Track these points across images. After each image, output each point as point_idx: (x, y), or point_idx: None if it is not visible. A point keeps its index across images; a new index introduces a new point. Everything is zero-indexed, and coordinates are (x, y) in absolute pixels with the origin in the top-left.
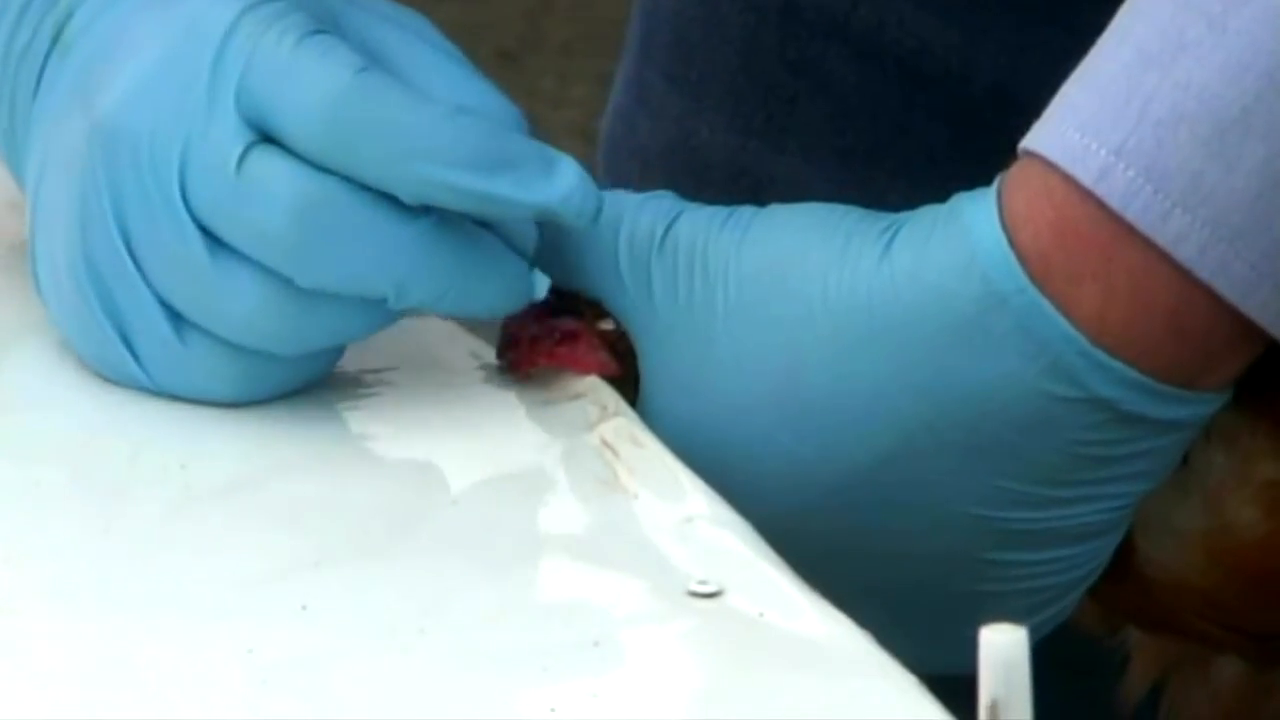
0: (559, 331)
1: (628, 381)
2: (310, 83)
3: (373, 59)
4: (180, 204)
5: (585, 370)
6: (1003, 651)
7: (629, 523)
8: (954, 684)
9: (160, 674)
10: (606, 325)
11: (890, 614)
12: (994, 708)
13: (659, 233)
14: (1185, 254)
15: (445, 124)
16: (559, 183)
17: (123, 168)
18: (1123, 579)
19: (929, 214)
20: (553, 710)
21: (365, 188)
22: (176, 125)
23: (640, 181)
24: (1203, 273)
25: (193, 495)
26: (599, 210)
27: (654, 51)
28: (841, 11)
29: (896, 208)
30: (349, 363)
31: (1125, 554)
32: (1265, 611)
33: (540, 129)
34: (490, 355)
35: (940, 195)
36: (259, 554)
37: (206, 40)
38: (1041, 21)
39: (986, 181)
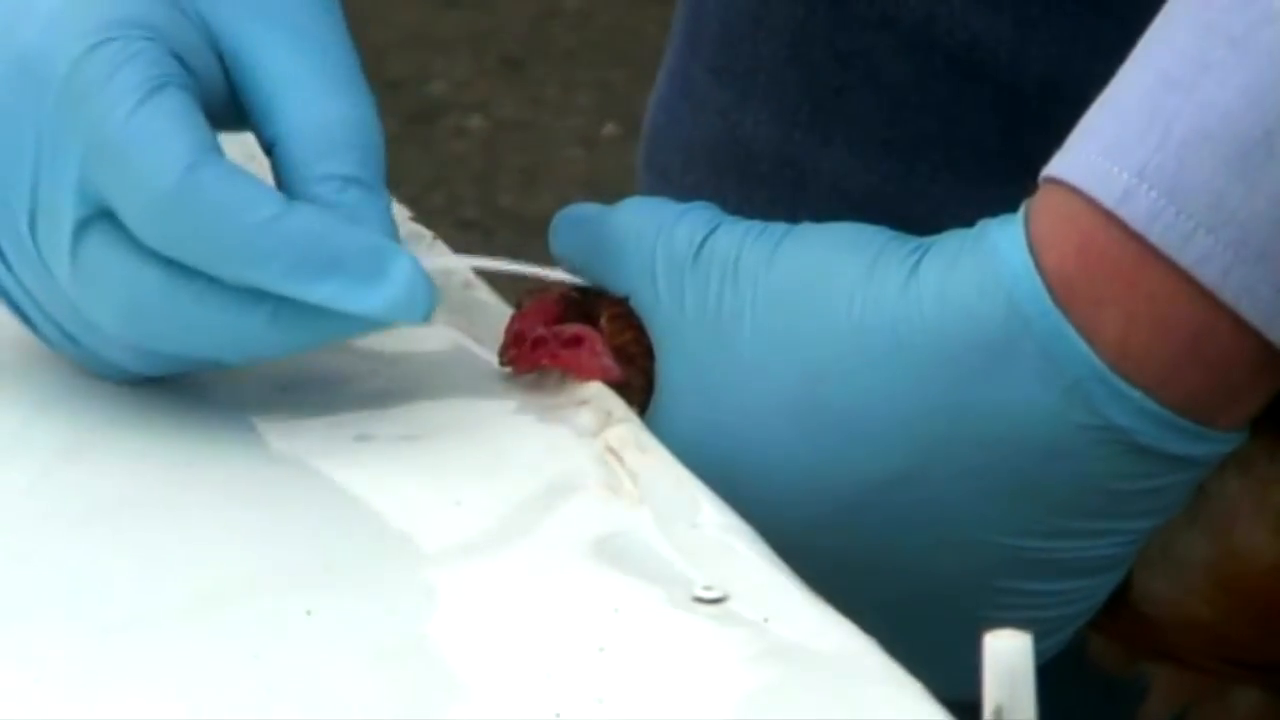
0: (565, 334)
1: (637, 389)
2: (139, 174)
3: (235, 64)
4: (37, 259)
5: (588, 375)
6: (1007, 657)
7: (634, 528)
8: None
9: (166, 680)
10: (624, 337)
11: (895, 634)
12: (998, 713)
13: (696, 243)
14: (1208, 276)
15: (268, 231)
16: (385, 289)
17: None
18: (1119, 612)
19: (957, 236)
20: (557, 715)
21: (201, 274)
22: (19, 174)
23: (683, 173)
24: (1226, 295)
25: (196, 498)
26: (430, 311)
27: (700, 46)
28: (892, 3)
29: (942, 200)
30: (352, 366)
31: (1122, 588)
32: (1272, 640)
33: (544, 137)
34: (494, 360)
35: (986, 188)
36: (263, 558)
37: (43, 85)
38: (1092, 14)
39: (1033, 175)
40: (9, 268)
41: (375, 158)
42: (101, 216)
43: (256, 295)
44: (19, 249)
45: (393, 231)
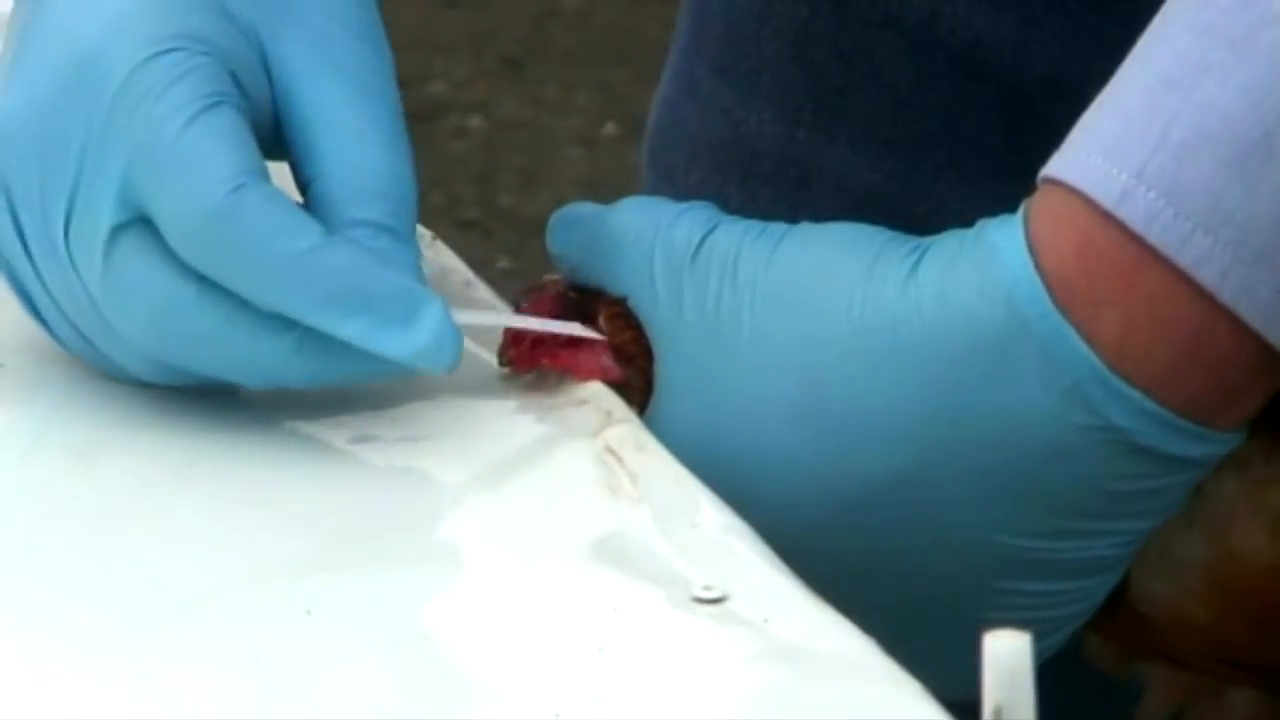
0: (564, 334)
1: (636, 389)
2: (184, 190)
3: (285, 96)
4: (66, 259)
5: (587, 375)
6: (1007, 658)
7: (633, 528)
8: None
9: (167, 679)
10: (623, 337)
11: (895, 635)
12: (998, 713)
13: (694, 242)
14: (1207, 276)
15: (304, 261)
16: (414, 335)
17: (21, 175)
18: (1116, 612)
19: (956, 236)
20: (557, 715)
21: (232, 295)
22: (61, 172)
23: (687, 171)
24: (1224, 295)
25: (197, 496)
26: (455, 363)
27: (704, 45)
28: (896, 3)
29: (945, 199)
30: None
31: (1120, 588)
32: (1269, 641)
33: (544, 137)
34: (494, 360)
35: (989, 187)
36: (263, 557)
37: (98, 88)
38: (1094, 14)
39: (1035, 174)
40: (34, 264)
41: (409, 209)
42: (139, 224)
43: (285, 323)
44: (49, 247)
45: (422, 282)
